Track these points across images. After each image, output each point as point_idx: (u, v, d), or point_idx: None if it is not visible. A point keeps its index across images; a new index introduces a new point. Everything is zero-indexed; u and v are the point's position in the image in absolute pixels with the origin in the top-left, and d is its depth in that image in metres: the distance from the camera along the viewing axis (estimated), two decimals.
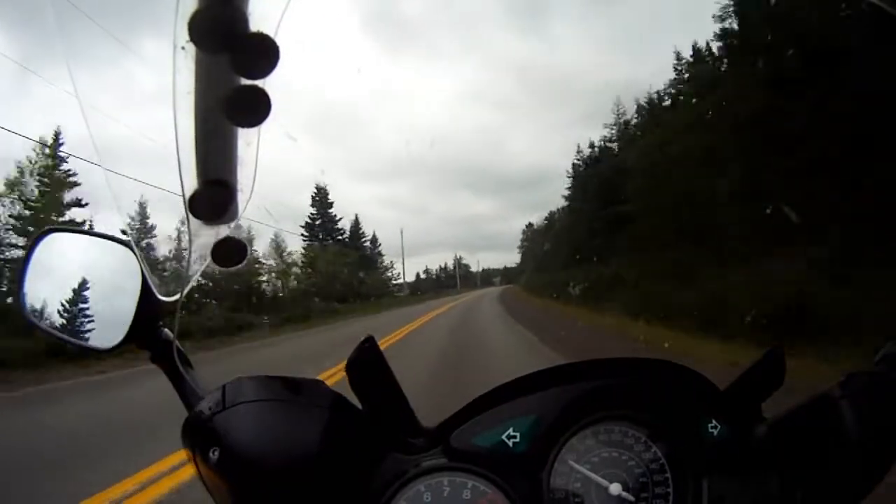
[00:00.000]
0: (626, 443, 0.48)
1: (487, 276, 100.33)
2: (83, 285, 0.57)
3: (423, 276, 78.16)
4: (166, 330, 0.52)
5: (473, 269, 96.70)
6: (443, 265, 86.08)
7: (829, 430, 0.46)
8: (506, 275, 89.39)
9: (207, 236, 0.33)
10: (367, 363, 0.44)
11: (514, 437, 0.46)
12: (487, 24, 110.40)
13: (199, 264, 0.36)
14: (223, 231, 0.34)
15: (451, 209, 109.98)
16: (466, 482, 0.45)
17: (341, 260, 29.03)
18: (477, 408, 0.48)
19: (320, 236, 33.34)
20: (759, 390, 0.50)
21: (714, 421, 0.47)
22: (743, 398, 0.50)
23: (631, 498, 0.46)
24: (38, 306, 0.54)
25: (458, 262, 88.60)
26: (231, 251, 0.34)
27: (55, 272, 0.56)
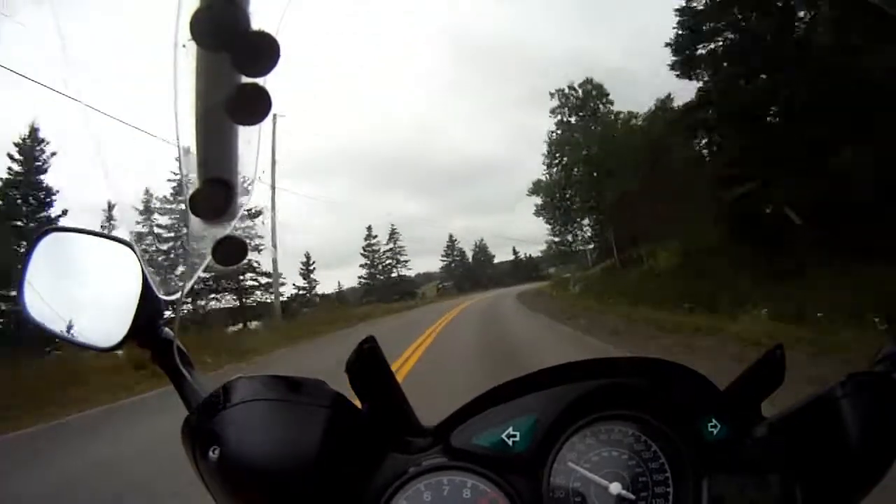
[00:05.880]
0: (625, 442, 0.48)
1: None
2: (84, 284, 0.57)
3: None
4: (167, 329, 0.52)
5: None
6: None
7: (829, 430, 0.46)
8: (452, 274, 56.94)
9: (208, 235, 0.33)
10: (368, 363, 0.44)
11: (514, 436, 0.46)
12: None
13: (199, 263, 0.36)
14: (224, 230, 0.34)
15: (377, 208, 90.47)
16: (466, 481, 0.45)
17: None
18: (477, 407, 0.48)
19: None
20: (759, 390, 0.50)
21: (714, 420, 0.47)
22: (743, 398, 0.50)
23: (631, 497, 0.46)
24: (39, 305, 0.54)
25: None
26: (231, 250, 0.34)
27: (56, 272, 0.56)
